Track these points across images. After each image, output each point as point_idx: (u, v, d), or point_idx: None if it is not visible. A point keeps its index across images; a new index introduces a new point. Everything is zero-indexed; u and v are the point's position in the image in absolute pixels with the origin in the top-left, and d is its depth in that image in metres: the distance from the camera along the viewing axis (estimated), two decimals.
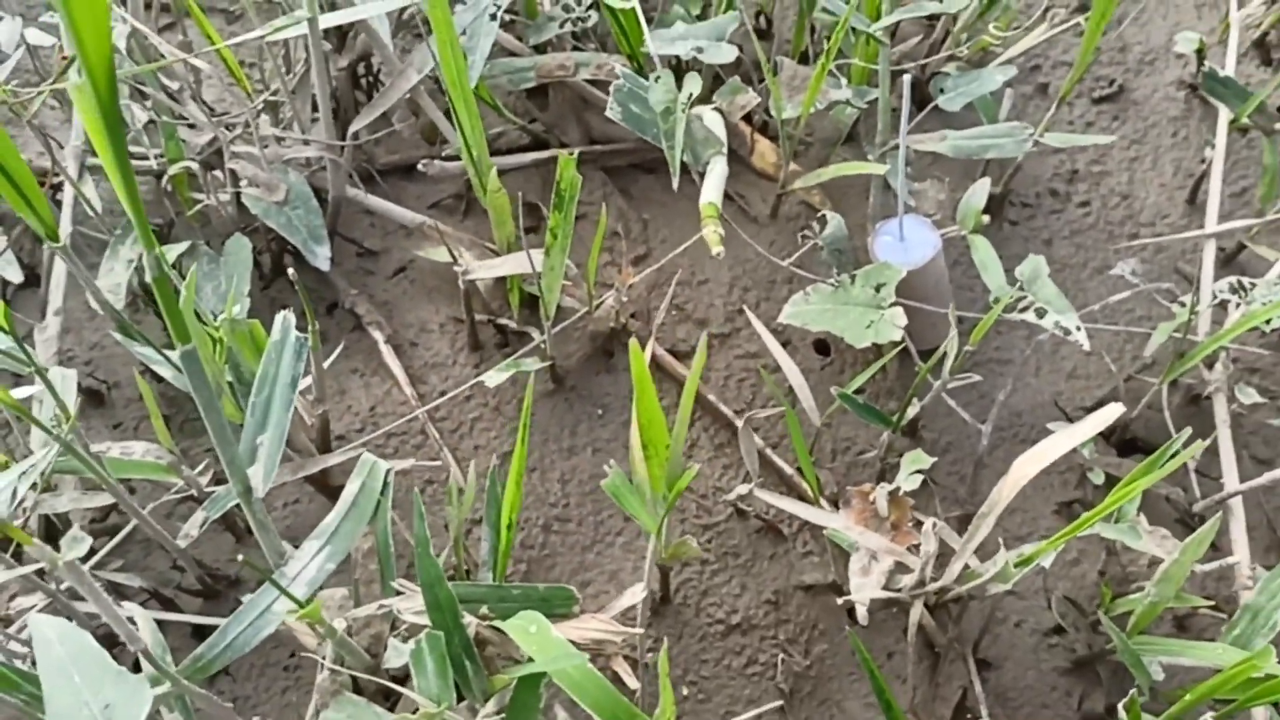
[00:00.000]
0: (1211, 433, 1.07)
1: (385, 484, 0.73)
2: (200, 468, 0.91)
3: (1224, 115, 1.20)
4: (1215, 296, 1.02)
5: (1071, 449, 1.07)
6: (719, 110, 1.01)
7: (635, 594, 0.76)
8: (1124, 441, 1.12)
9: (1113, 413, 0.79)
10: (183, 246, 1.02)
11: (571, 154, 0.85)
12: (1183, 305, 1.04)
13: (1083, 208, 1.27)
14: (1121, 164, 1.30)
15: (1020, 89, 1.35)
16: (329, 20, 0.96)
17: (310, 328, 0.79)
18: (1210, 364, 1.07)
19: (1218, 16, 1.40)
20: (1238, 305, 1.06)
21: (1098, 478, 1.04)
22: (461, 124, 0.84)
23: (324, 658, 0.71)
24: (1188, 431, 0.80)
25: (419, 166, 1.08)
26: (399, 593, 0.73)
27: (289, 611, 0.62)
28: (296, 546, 0.94)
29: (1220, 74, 1.14)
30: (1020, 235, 1.24)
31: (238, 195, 1.03)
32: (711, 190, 0.84)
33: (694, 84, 0.87)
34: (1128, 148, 1.32)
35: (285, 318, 0.72)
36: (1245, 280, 1.05)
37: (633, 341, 0.67)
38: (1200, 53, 1.29)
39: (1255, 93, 1.19)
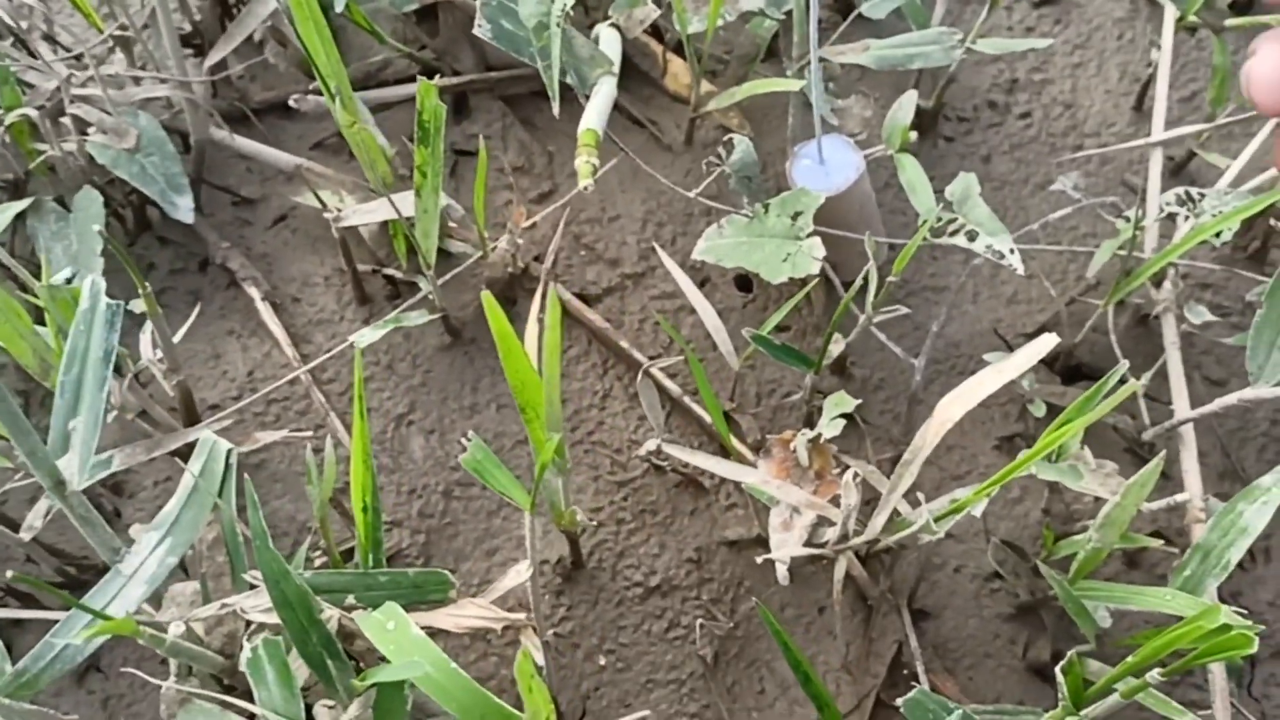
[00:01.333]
0: (1161, 354, 1.00)
1: (228, 466, 0.65)
2: None
3: (1169, 13, 1.11)
4: (1162, 209, 0.95)
5: (1011, 379, 1.01)
6: (616, 26, 0.91)
7: (520, 573, 0.68)
8: (1068, 368, 1.05)
9: (1046, 344, 0.72)
10: (26, 203, 0.91)
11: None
12: (1128, 220, 0.97)
13: (1023, 119, 1.18)
14: (1064, 71, 1.21)
15: None
16: None
17: (142, 290, 0.69)
18: (1158, 282, 0.99)
19: None
20: (1186, 218, 0.98)
21: (1039, 410, 0.97)
22: (313, 55, 0.74)
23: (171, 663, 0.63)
24: (1124, 365, 0.73)
25: (290, 102, 0.98)
26: (254, 585, 0.65)
27: (90, 629, 0.54)
28: None
29: None
30: (956, 152, 1.16)
31: (84, 143, 0.92)
32: (593, 115, 0.75)
33: None
34: (1070, 53, 1.23)
35: (94, 283, 0.62)
36: (1194, 191, 0.97)
37: (484, 294, 0.58)
38: None
39: None
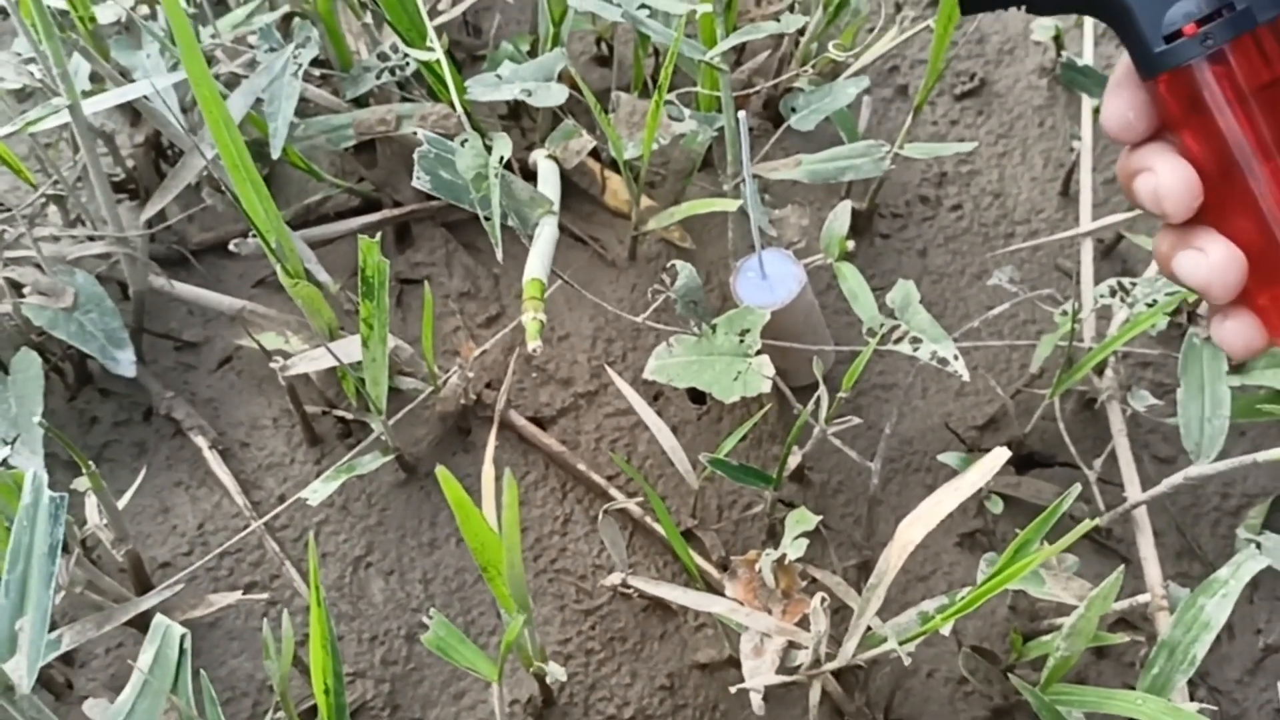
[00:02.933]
0: (1109, 436, 1.02)
1: (182, 651, 0.63)
2: None
3: (1087, 104, 1.15)
4: (1097, 301, 0.97)
5: (955, 469, 1.02)
6: (553, 157, 0.92)
7: None
8: (1020, 458, 1.06)
9: (998, 458, 0.73)
10: None
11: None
12: (1065, 314, 0.99)
13: (955, 211, 1.21)
14: (990, 161, 1.25)
15: (880, 93, 1.29)
16: (96, 105, 0.85)
17: (85, 469, 0.68)
18: (1100, 371, 1.01)
19: None
20: (1120, 306, 1.01)
21: (996, 505, 0.98)
22: (251, 213, 0.74)
23: None
24: (1076, 489, 0.74)
25: (231, 246, 0.97)
26: None
27: None
28: None
29: (1078, 63, 1.09)
30: (893, 248, 1.18)
31: (20, 305, 0.91)
32: (537, 263, 0.75)
33: (503, 145, 0.78)
34: (995, 143, 1.26)
35: (35, 476, 0.61)
36: (1125, 281, 1.00)
37: (440, 470, 0.58)
38: (1058, 39, 1.25)
39: None
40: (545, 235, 0.80)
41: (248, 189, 0.74)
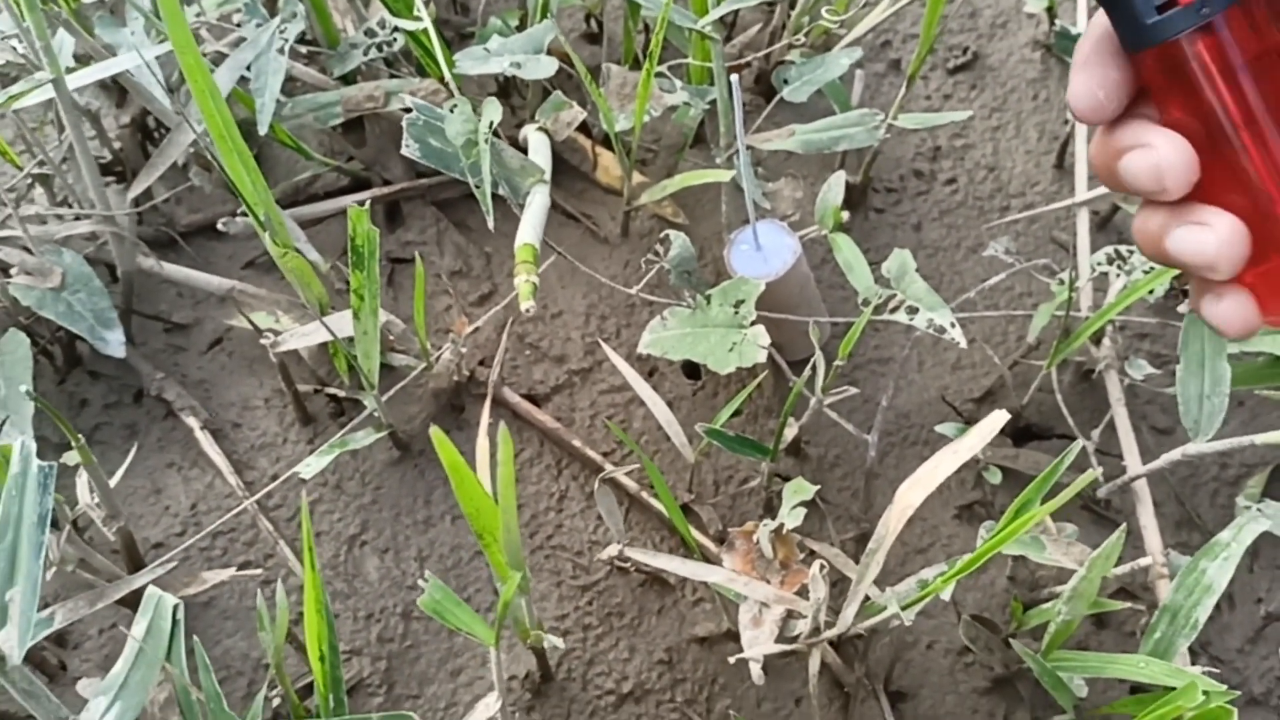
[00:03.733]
0: (1107, 407, 1.02)
1: (175, 621, 0.62)
2: None
3: None
4: (1094, 270, 0.96)
5: (953, 439, 1.01)
6: (544, 130, 0.91)
7: (489, 706, 0.66)
8: (1018, 430, 1.06)
9: (997, 421, 0.72)
10: None
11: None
12: (1062, 283, 0.98)
13: (949, 185, 1.20)
14: (984, 135, 1.24)
15: (872, 68, 1.28)
16: (81, 78, 0.84)
17: (74, 442, 0.67)
18: (1097, 340, 1.01)
19: None
20: (1118, 275, 1.00)
21: (994, 476, 0.98)
22: (239, 186, 0.73)
23: None
24: (1079, 444, 0.73)
25: (219, 225, 0.96)
26: None
27: None
28: None
29: (1072, 32, 1.09)
30: (888, 222, 1.17)
31: (7, 285, 0.90)
32: (529, 229, 0.75)
33: (493, 111, 0.77)
34: (989, 117, 1.26)
35: (24, 446, 0.60)
36: (1122, 248, 0.99)
37: (434, 431, 0.57)
38: (1051, 11, 1.24)
39: None
40: (537, 203, 0.79)
41: (235, 161, 0.73)
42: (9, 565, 0.59)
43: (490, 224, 0.74)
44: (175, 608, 0.63)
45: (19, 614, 0.58)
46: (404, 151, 0.78)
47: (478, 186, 0.75)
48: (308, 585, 0.59)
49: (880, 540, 0.71)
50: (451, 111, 0.76)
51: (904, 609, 0.69)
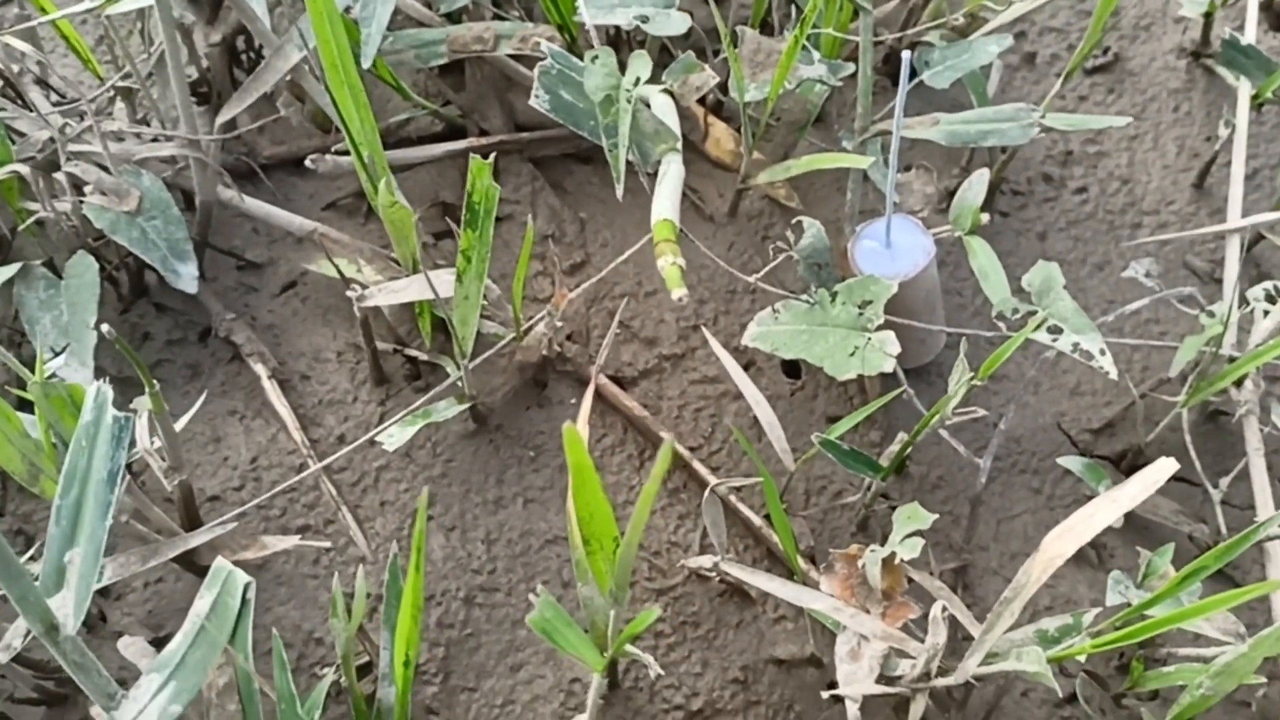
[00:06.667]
0: (1231, 449, 0.94)
1: (244, 601, 0.56)
2: (30, 553, 0.73)
3: (1244, 90, 1.05)
4: (1249, 304, 0.88)
5: (1077, 474, 0.94)
6: (669, 92, 0.83)
7: None
8: (1135, 467, 0.97)
9: (1163, 472, 0.64)
10: (13, 270, 0.83)
11: (487, 157, 0.67)
12: (1211, 315, 0.90)
13: (1079, 194, 1.12)
14: (1120, 143, 1.15)
15: (1004, 59, 1.19)
16: None
17: (149, 389, 0.61)
18: (1239, 382, 0.92)
19: None
20: (1266, 313, 0.92)
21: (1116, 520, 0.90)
22: (346, 120, 0.66)
23: None
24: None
25: (307, 162, 0.90)
26: None
27: None
28: (158, 639, 0.77)
29: (1241, 41, 0.99)
30: (1012, 228, 1.09)
31: (81, 204, 0.84)
32: (666, 202, 0.67)
33: (642, 65, 0.69)
34: (1125, 125, 1.16)
35: (100, 391, 0.54)
36: (1277, 285, 0.91)
37: (567, 428, 0.50)
38: (1209, 16, 1.14)
39: None
40: (672, 172, 0.71)
41: (345, 95, 0.66)
42: (71, 524, 0.53)
43: (619, 194, 0.67)
44: (246, 586, 0.57)
45: (78, 578, 0.52)
46: (532, 102, 0.71)
47: (612, 149, 0.67)
48: (408, 590, 0.52)
49: (1018, 590, 0.64)
50: (593, 63, 0.68)
51: (1050, 660, 0.62)
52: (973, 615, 0.83)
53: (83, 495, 0.53)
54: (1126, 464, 0.97)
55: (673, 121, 0.77)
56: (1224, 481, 0.91)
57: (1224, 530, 0.91)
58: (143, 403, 0.64)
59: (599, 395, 0.92)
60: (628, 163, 0.74)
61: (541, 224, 1.00)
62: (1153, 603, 0.62)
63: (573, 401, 0.93)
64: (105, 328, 0.57)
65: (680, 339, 0.97)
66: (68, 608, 0.52)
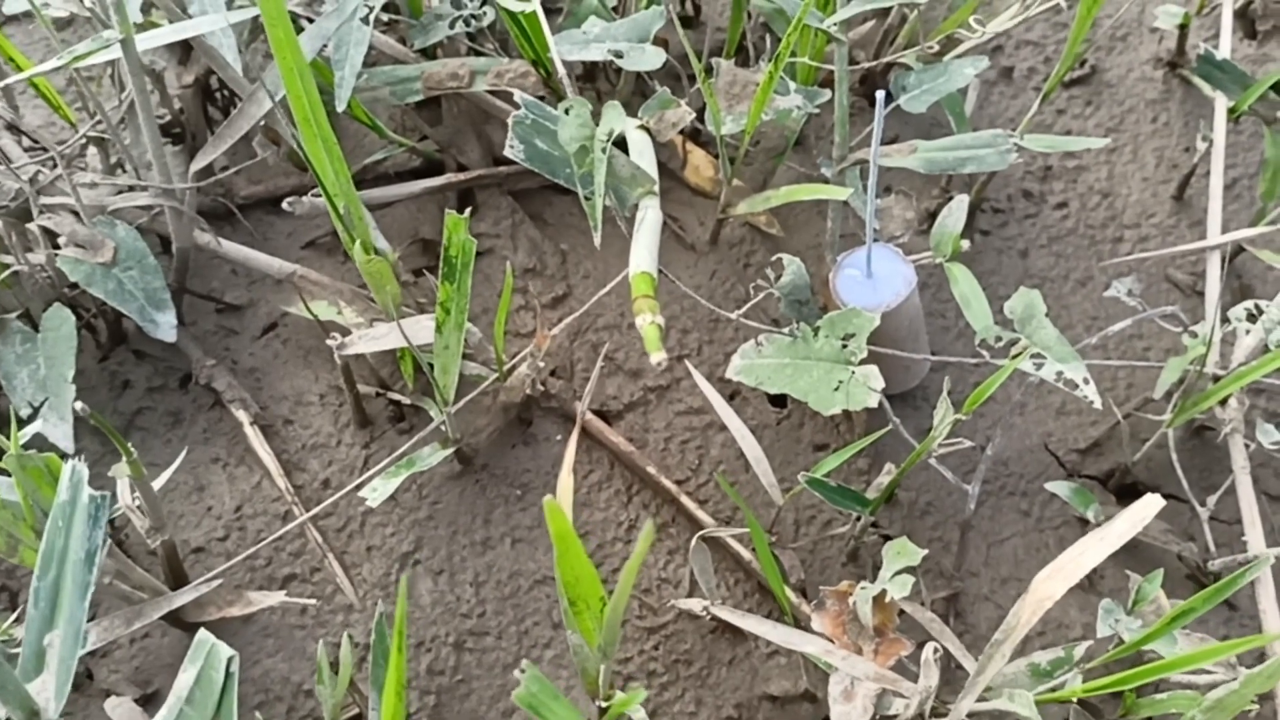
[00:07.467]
0: (1217, 465, 0.94)
1: (228, 675, 0.55)
2: (14, 616, 0.72)
3: (1221, 104, 1.05)
4: (1231, 322, 0.88)
5: (1064, 499, 0.94)
6: (645, 128, 0.83)
7: None
8: (1123, 486, 0.98)
9: (1150, 508, 0.64)
10: None
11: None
12: (1194, 335, 0.90)
13: (1060, 210, 1.12)
14: (1099, 157, 1.15)
15: (981, 75, 1.19)
16: (151, 40, 0.76)
17: (125, 455, 0.60)
18: (1224, 400, 0.92)
19: None
20: (1248, 331, 0.92)
21: None
22: (320, 174, 0.65)
23: None
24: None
25: (285, 205, 0.89)
26: None
27: None
28: (146, 696, 0.76)
29: (1216, 56, 0.99)
30: (993, 247, 1.09)
31: (55, 256, 0.83)
32: (644, 253, 0.66)
33: (615, 117, 0.69)
34: (1104, 137, 1.16)
35: (74, 470, 0.53)
36: (1261, 303, 0.91)
37: (548, 502, 0.49)
38: (1184, 28, 1.14)
39: (1256, 78, 1.04)
40: (650, 220, 0.71)
41: (318, 147, 0.65)
42: (50, 605, 0.52)
43: (597, 241, 0.66)
44: (230, 660, 0.56)
45: (58, 661, 0.51)
46: (507, 152, 0.70)
47: (588, 199, 0.67)
48: (391, 669, 0.52)
49: (1008, 632, 0.64)
50: (566, 113, 0.68)
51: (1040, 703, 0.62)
52: (964, 644, 0.83)
53: (60, 576, 0.52)
54: (1114, 483, 0.97)
55: (649, 158, 0.77)
56: (1211, 500, 0.91)
57: (1212, 547, 0.91)
58: (121, 469, 0.63)
59: (585, 431, 0.92)
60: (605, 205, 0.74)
61: (522, 257, 0.99)
62: (1144, 641, 0.62)
63: (558, 438, 0.92)
64: (68, 380, 0.56)
65: (664, 370, 0.96)
66: (48, 692, 0.51)
